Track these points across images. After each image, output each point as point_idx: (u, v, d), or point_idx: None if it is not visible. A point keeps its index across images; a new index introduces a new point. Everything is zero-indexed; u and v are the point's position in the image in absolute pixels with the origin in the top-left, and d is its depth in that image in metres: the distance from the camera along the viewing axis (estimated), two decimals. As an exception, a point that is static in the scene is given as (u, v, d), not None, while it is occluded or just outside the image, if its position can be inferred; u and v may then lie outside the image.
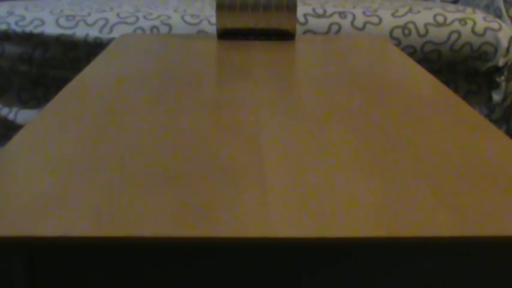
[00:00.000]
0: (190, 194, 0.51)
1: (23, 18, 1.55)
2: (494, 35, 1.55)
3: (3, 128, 1.62)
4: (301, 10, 1.56)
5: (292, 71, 0.96)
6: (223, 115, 0.73)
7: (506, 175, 0.56)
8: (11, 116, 1.61)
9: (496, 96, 1.60)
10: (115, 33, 1.52)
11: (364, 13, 1.56)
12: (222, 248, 0.45)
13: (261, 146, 0.62)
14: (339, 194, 0.52)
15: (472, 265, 0.45)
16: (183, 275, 0.45)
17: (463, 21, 1.55)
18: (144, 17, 1.54)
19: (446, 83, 1.61)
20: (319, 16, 1.56)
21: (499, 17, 1.63)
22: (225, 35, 1.24)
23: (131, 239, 0.44)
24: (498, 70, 1.58)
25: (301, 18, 1.55)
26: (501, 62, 1.56)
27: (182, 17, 1.55)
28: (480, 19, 1.56)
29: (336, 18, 1.56)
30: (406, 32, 1.54)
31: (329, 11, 1.57)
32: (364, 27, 1.55)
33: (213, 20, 1.54)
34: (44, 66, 1.56)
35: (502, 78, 1.59)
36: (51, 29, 1.53)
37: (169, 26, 1.53)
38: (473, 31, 1.55)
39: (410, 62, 1.03)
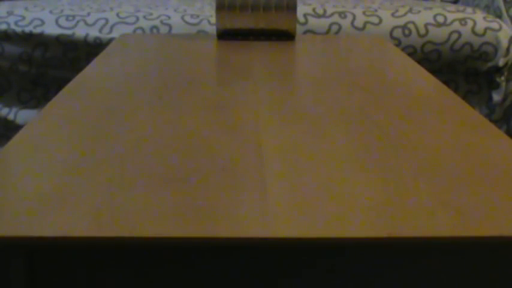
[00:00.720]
0: (190, 194, 0.51)
1: (23, 18, 1.55)
2: (494, 35, 1.55)
3: (3, 128, 1.61)
4: (301, 10, 1.56)
5: (292, 71, 0.96)
6: (224, 115, 0.73)
7: (506, 175, 0.56)
8: (10, 116, 1.60)
9: (496, 96, 1.60)
10: (115, 33, 1.52)
11: (363, 13, 1.56)
12: (221, 248, 0.45)
13: (261, 146, 0.62)
14: (339, 194, 0.52)
15: (472, 265, 0.45)
16: (183, 275, 0.45)
17: (463, 21, 1.55)
18: (144, 17, 1.54)
19: (446, 83, 1.61)
20: (319, 16, 1.56)
21: (499, 17, 1.63)
22: (225, 35, 1.24)
23: (131, 239, 0.44)
24: (498, 70, 1.58)
25: (301, 18, 1.55)
26: (501, 62, 1.56)
27: (182, 17, 1.55)
28: (480, 19, 1.56)
29: (336, 18, 1.56)
30: (406, 32, 1.54)
31: (329, 11, 1.57)
32: (364, 27, 1.55)
33: (213, 20, 1.54)
34: (43, 66, 1.56)
35: (502, 78, 1.59)
36: (51, 29, 1.53)
37: (169, 26, 1.53)
38: (473, 31, 1.55)
39: (410, 62, 1.03)
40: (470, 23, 1.55)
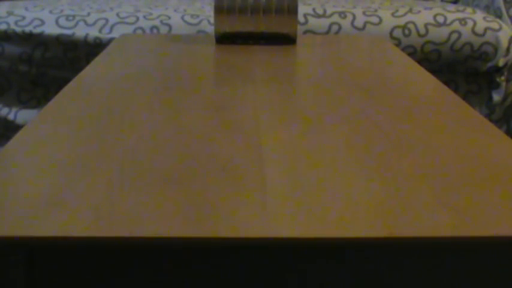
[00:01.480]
0: (190, 194, 0.51)
1: (23, 18, 1.55)
2: (494, 35, 1.55)
3: (3, 128, 1.61)
4: (301, 10, 1.56)
5: (292, 72, 0.96)
6: (224, 115, 0.73)
7: (506, 175, 0.56)
8: (10, 116, 1.60)
9: (496, 96, 1.60)
10: (115, 33, 1.52)
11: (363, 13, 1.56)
12: (222, 248, 0.45)
13: (261, 146, 0.62)
14: (339, 194, 0.52)
15: (472, 265, 0.45)
16: (182, 275, 0.45)
17: (463, 21, 1.55)
18: (144, 17, 1.54)
19: (446, 83, 1.61)
20: (319, 16, 1.56)
21: (499, 17, 1.63)
22: (224, 39, 1.21)
23: (131, 239, 0.44)
24: (498, 70, 1.58)
25: (301, 18, 1.55)
26: (501, 62, 1.56)
27: (182, 17, 1.55)
28: (480, 19, 1.56)
29: (336, 18, 1.56)
30: (406, 32, 1.54)
31: (329, 11, 1.57)
32: (364, 27, 1.55)
33: (213, 20, 1.54)
34: (43, 66, 1.56)
35: (502, 78, 1.59)
36: (51, 29, 1.53)
37: (169, 26, 1.53)
38: (473, 31, 1.55)
39: (410, 62, 1.03)
40: (470, 23, 1.55)
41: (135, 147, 0.62)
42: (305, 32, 1.55)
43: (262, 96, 0.81)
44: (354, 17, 1.56)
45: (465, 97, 1.62)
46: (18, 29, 1.54)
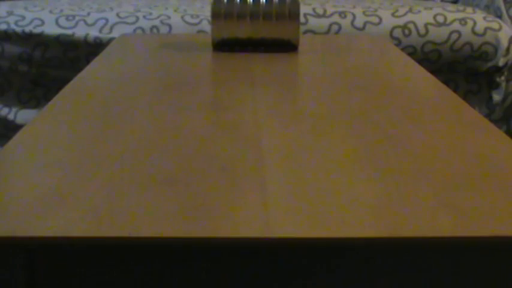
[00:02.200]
0: (190, 194, 0.51)
1: (23, 18, 1.55)
2: (494, 35, 1.55)
3: (3, 128, 1.62)
4: (301, 10, 1.56)
5: (291, 72, 0.96)
6: (223, 115, 0.73)
7: (506, 175, 0.56)
8: (10, 116, 1.60)
9: (496, 96, 1.60)
10: (115, 33, 1.52)
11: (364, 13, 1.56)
12: (221, 248, 0.45)
13: (261, 146, 0.62)
14: (339, 194, 0.52)
15: (472, 265, 0.45)
16: (182, 275, 0.45)
17: (463, 21, 1.55)
18: (144, 17, 1.54)
19: (446, 83, 1.61)
20: (319, 16, 1.56)
21: (499, 17, 1.63)
22: (221, 46, 1.12)
23: (131, 239, 0.44)
24: (498, 70, 1.58)
25: (301, 18, 1.55)
26: (501, 62, 1.56)
27: (182, 17, 1.55)
28: (480, 19, 1.56)
29: (336, 18, 1.56)
30: (406, 32, 1.54)
31: (329, 11, 1.57)
32: (364, 27, 1.55)
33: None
34: (43, 66, 1.56)
35: (502, 78, 1.59)
36: (50, 29, 1.53)
37: (169, 26, 1.53)
38: (473, 31, 1.55)
39: (411, 62, 1.03)
40: (470, 23, 1.55)
41: (135, 147, 0.62)
42: (305, 32, 1.55)
43: (262, 96, 0.81)
44: (354, 17, 1.56)
45: (465, 97, 1.62)
46: (18, 29, 1.54)
